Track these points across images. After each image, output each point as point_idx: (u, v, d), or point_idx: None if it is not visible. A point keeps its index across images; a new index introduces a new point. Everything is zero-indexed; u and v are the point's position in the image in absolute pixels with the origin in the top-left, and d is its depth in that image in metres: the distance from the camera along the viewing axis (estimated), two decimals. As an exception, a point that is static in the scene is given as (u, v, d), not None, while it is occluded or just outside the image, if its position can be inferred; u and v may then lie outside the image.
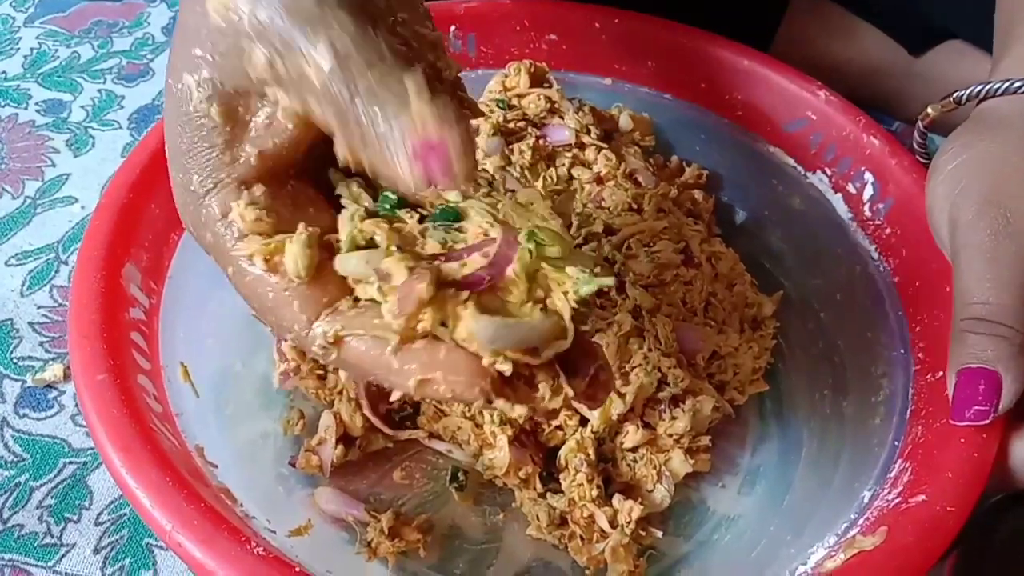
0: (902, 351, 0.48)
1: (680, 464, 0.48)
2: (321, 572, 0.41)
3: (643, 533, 0.47)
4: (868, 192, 0.53)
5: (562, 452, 0.48)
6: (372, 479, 0.48)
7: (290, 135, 0.30)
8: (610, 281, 0.30)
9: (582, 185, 0.56)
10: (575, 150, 0.57)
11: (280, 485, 0.47)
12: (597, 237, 0.52)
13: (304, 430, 0.50)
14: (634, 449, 0.48)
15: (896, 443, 0.43)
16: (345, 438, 0.49)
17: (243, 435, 0.48)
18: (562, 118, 0.58)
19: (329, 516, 0.46)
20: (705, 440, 0.49)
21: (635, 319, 0.50)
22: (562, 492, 0.47)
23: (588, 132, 0.58)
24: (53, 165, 0.68)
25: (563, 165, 0.57)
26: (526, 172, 0.55)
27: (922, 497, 0.37)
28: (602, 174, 0.56)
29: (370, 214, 0.31)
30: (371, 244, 0.30)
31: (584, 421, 0.48)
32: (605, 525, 0.46)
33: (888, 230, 0.52)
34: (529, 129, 0.57)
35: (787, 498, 0.48)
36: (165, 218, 0.47)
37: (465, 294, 0.29)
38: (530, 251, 0.30)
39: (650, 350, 0.49)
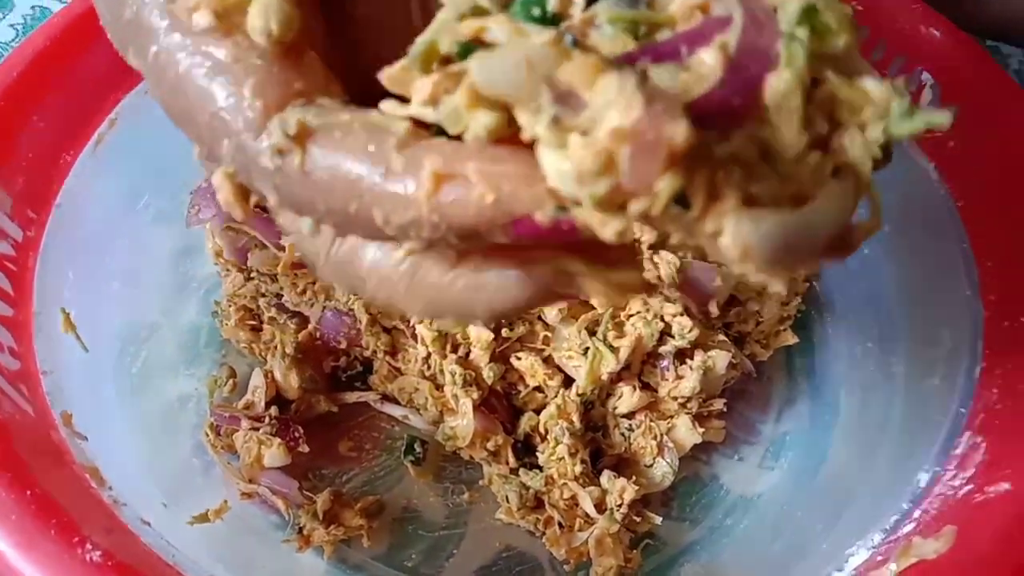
0: (968, 293, 0.38)
1: (687, 433, 0.39)
2: (234, 568, 0.33)
3: (638, 519, 0.38)
4: (926, 97, 0.43)
5: (541, 418, 0.39)
6: (313, 450, 0.40)
7: None
8: (944, 120, 0.17)
9: None
10: None
11: (196, 457, 0.39)
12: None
13: (235, 391, 0.42)
14: (630, 415, 0.40)
15: (962, 410, 0.34)
16: (279, 401, 0.40)
17: (155, 397, 0.40)
18: None
19: (251, 496, 0.38)
20: (719, 404, 0.41)
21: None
22: (539, 468, 0.39)
23: None
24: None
25: None
26: None
27: (1005, 486, 0.28)
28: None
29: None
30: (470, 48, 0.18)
31: (568, 381, 0.39)
32: (590, 509, 0.37)
33: (951, 143, 0.42)
34: None
35: (819, 475, 0.39)
36: (53, 135, 0.39)
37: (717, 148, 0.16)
38: (802, 42, 0.17)
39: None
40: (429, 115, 0.18)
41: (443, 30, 0.18)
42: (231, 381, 0.42)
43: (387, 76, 0.18)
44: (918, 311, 0.41)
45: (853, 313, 0.44)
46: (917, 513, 0.30)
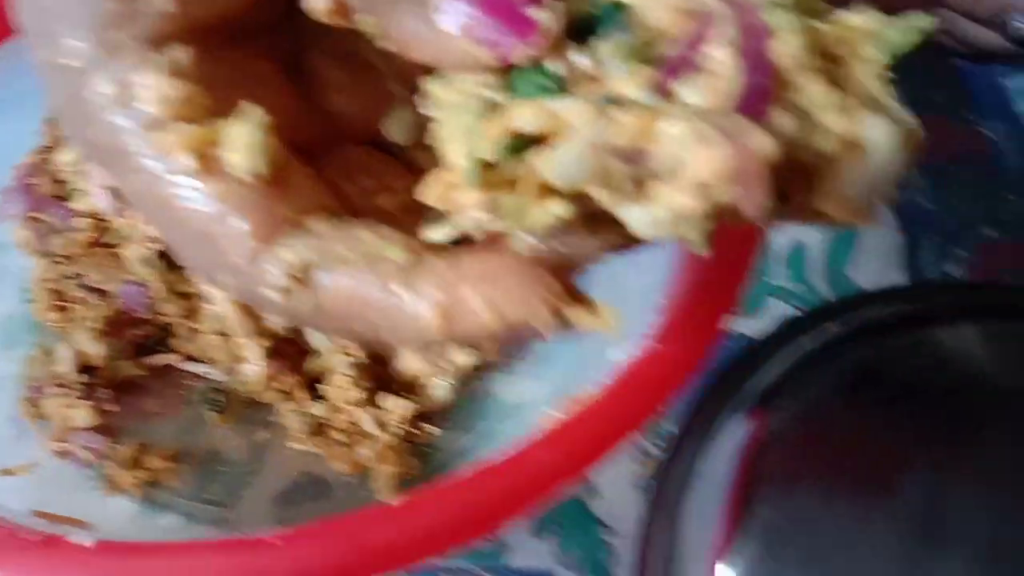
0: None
1: (464, 355, 0.44)
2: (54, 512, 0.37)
3: (417, 432, 0.43)
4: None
5: (323, 354, 0.44)
6: (122, 411, 0.44)
7: None
8: (926, 22, 0.18)
9: None
10: None
11: (14, 428, 0.43)
12: None
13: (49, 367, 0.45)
14: (409, 343, 0.44)
15: (662, 301, 0.39)
16: (87, 369, 0.44)
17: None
18: None
19: (65, 454, 0.42)
20: (489, 327, 0.45)
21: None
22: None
23: None
24: None
25: None
26: None
27: (656, 346, 0.34)
28: None
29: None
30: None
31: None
32: (372, 428, 0.42)
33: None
34: None
35: (573, 382, 0.44)
36: None
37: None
38: (784, 5, 0.18)
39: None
40: (484, 223, 0.19)
41: (474, 137, 0.18)
42: (46, 358, 0.45)
43: (432, 197, 0.19)
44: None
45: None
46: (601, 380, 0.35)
